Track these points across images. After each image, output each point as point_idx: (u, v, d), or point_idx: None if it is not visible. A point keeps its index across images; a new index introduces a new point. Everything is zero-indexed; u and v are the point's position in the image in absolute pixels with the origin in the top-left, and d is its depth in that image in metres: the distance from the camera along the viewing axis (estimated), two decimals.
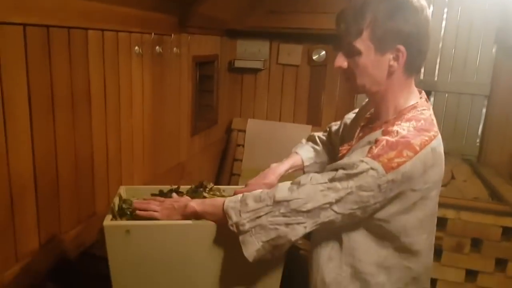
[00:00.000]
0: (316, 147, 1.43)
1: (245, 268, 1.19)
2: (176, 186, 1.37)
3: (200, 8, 2.23)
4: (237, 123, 3.28)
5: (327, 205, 0.96)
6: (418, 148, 0.97)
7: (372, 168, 0.94)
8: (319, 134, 1.47)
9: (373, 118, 1.14)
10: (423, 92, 1.13)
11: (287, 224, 0.98)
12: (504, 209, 2.24)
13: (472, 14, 2.97)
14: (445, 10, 3.02)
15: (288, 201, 0.98)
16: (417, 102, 1.08)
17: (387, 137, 0.98)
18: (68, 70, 1.45)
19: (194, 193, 1.34)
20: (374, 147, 0.97)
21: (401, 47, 0.99)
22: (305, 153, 1.40)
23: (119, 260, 1.14)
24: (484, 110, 3.06)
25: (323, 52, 3.06)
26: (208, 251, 1.16)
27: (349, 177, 0.95)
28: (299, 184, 0.99)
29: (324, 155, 1.43)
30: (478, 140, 3.10)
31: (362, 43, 1.01)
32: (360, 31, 1.00)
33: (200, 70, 2.71)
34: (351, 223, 1.04)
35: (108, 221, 1.14)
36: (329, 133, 1.46)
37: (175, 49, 2.20)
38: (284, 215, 0.98)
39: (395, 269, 1.10)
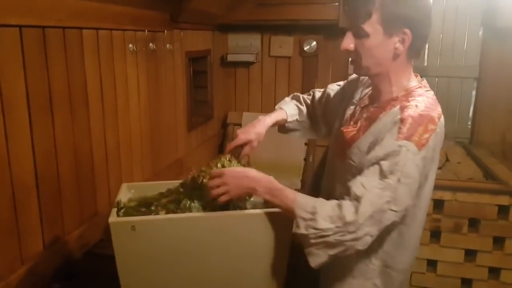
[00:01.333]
0: (300, 106, 1.47)
1: (253, 258, 1.21)
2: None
3: (191, 3, 2.23)
4: (232, 117, 3.29)
5: (386, 206, 0.99)
6: (437, 120, 1.05)
7: (408, 150, 0.99)
8: (304, 96, 1.51)
9: (374, 98, 1.17)
10: (419, 76, 1.17)
11: (354, 239, 1.00)
12: (499, 188, 2.28)
13: None
14: None
15: (357, 219, 0.99)
16: (421, 83, 1.13)
17: (410, 113, 1.03)
18: (64, 69, 1.45)
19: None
20: (402, 126, 1.01)
21: (407, 31, 1.03)
22: (290, 109, 1.44)
23: (126, 256, 1.14)
24: (474, 92, 3.10)
25: (314, 43, 3.08)
26: (215, 243, 1.17)
27: (395, 168, 0.99)
28: (358, 197, 1.00)
29: (305, 115, 1.47)
30: (469, 122, 3.14)
31: (370, 26, 1.03)
32: (369, 14, 1.03)
33: (194, 65, 2.71)
34: None
35: (113, 218, 1.13)
36: (313, 98, 1.49)
37: (168, 45, 2.20)
38: (351, 232, 0.99)
39: (413, 261, 1.20)
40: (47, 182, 1.40)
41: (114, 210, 1.19)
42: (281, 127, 1.48)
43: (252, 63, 3.21)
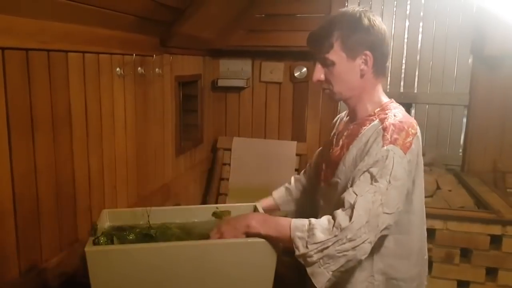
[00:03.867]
0: (288, 186, 1.56)
1: (235, 282, 1.18)
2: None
3: (181, 28, 2.24)
4: (223, 142, 3.27)
5: (380, 209, 1.03)
6: (416, 126, 1.15)
7: (394, 153, 1.06)
8: (301, 175, 1.60)
9: (352, 118, 1.27)
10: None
11: (354, 248, 1.01)
12: (491, 217, 2.26)
13: (447, 27, 3.06)
14: (421, 24, 3.11)
15: (352, 223, 1.01)
16: (391, 100, 1.24)
17: (390, 121, 1.12)
18: (48, 92, 1.43)
19: None
20: (386, 133, 1.10)
21: (368, 52, 1.17)
22: (277, 193, 1.55)
23: (102, 285, 1.10)
24: (464, 120, 3.12)
25: (305, 69, 3.10)
26: (194, 272, 1.13)
27: (384, 171, 1.05)
28: (351, 205, 1.04)
29: (300, 194, 1.54)
30: (460, 150, 3.14)
31: (334, 54, 1.17)
32: (332, 45, 1.17)
33: (184, 90, 2.70)
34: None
35: (89, 246, 1.11)
36: (309, 170, 1.57)
37: (157, 69, 2.19)
38: (350, 240, 1.01)
39: (422, 269, 1.25)
40: (25, 206, 1.36)
41: (91, 238, 1.16)
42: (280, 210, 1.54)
43: (243, 88, 3.21)
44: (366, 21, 1.16)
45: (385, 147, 1.07)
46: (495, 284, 2.25)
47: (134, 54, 1.93)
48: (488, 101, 2.96)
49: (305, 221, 1.07)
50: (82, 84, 1.62)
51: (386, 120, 1.13)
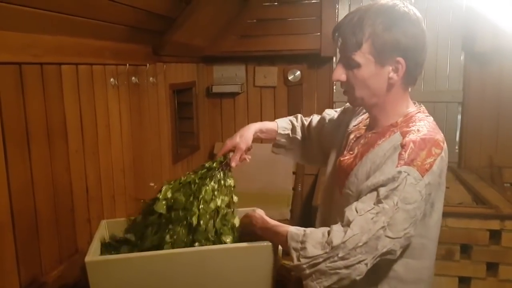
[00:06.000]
0: (295, 123, 1.45)
1: (236, 286, 1.17)
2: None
3: (173, 37, 2.25)
4: (219, 148, 3.25)
5: (381, 231, 0.93)
6: (442, 144, 0.99)
7: (408, 175, 0.94)
8: (304, 117, 1.48)
9: (371, 126, 1.13)
10: (416, 102, 1.14)
11: (347, 267, 0.94)
12: (489, 212, 2.26)
13: (438, 26, 3.08)
14: None
15: (344, 242, 0.94)
16: (420, 108, 1.10)
17: (411, 138, 0.98)
18: (42, 105, 1.44)
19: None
20: (403, 152, 0.96)
21: (401, 59, 1.00)
22: (282, 123, 1.43)
23: None
24: (459, 117, 3.13)
25: (298, 72, 3.11)
26: (195, 279, 1.13)
27: (392, 193, 0.94)
28: (349, 222, 0.95)
29: (299, 134, 1.43)
30: (457, 147, 3.15)
31: (361, 56, 1.01)
32: (359, 45, 1.00)
33: (179, 97, 2.71)
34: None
35: (89, 257, 1.10)
36: (311, 121, 1.45)
37: (151, 78, 2.20)
38: (342, 258, 0.94)
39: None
40: (24, 219, 1.36)
41: (91, 249, 1.16)
42: (273, 141, 1.44)
43: (237, 93, 3.23)
44: (406, 18, 0.99)
45: (398, 168, 0.94)
46: (496, 279, 2.25)
47: (127, 64, 1.94)
48: (482, 97, 2.98)
49: (300, 231, 1.02)
50: (77, 95, 1.63)
51: (407, 135, 0.99)
